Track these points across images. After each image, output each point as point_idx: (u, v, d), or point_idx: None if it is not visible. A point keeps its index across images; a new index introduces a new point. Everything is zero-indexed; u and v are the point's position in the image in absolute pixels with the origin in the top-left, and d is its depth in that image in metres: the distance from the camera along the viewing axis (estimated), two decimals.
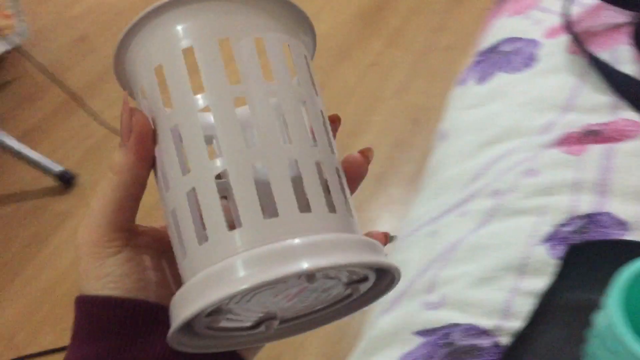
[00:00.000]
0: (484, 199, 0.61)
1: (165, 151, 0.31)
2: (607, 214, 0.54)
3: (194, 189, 0.30)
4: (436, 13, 2.08)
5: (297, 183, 0.30)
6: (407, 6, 2.14)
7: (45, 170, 1.68)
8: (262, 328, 0.34)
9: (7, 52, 2.02)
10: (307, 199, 0.31)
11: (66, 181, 1.68)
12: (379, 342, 0.56)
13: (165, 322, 0.30)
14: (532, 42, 0.74)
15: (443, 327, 0.53)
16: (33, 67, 1.85)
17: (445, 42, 1.95)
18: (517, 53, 0.75)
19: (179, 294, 0.29)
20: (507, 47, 0.77)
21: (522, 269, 0.54)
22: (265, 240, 0.28)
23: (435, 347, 0.51)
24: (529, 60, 0.72)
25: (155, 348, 0.32)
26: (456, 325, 0.52)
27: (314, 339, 1.23)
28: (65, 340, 1.34)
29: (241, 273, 0.27)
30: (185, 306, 0.28)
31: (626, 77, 0.63)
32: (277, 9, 0.32)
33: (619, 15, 0.71)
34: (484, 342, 0.50)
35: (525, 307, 0.51)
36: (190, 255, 0.30)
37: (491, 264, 0.55)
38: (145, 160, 0.31)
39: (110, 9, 2.32)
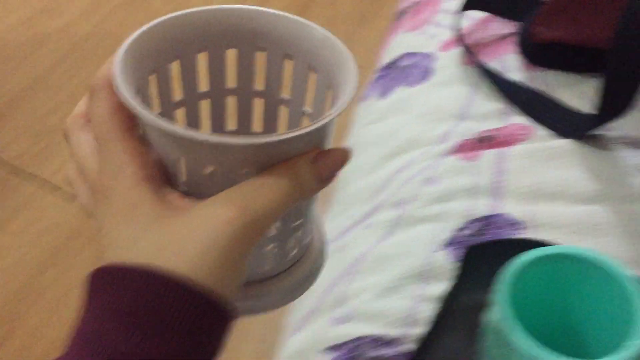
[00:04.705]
0: (388, 210, 0.62)
1: None
2: (503, 215, 0.55)
3: None
4: (341, 34, 2.12)
5: None
6: None
7: None
8: None
9: None
10: None
11: None
12: None
13: None
14: (428, 56, 0.76)
15: (351, 341, 0.52)
16: None
17: None
18: (414, 67, 0.76)
19: None
20: (405, 62, 0.79)
21: (424, 275, 0.54)
22: None
23: None
24: (426, 73, 0.74)
25: None
26: (363, 337, 0.52)
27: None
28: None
29: None
30: None
31: (514, 84, 0.65)
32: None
33: (505, 26, 0.74)
34: (391, 351, 0.50)
35: (428, 312, 0.51)
36: None
37: (395, 273, 0.55)
38: None
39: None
